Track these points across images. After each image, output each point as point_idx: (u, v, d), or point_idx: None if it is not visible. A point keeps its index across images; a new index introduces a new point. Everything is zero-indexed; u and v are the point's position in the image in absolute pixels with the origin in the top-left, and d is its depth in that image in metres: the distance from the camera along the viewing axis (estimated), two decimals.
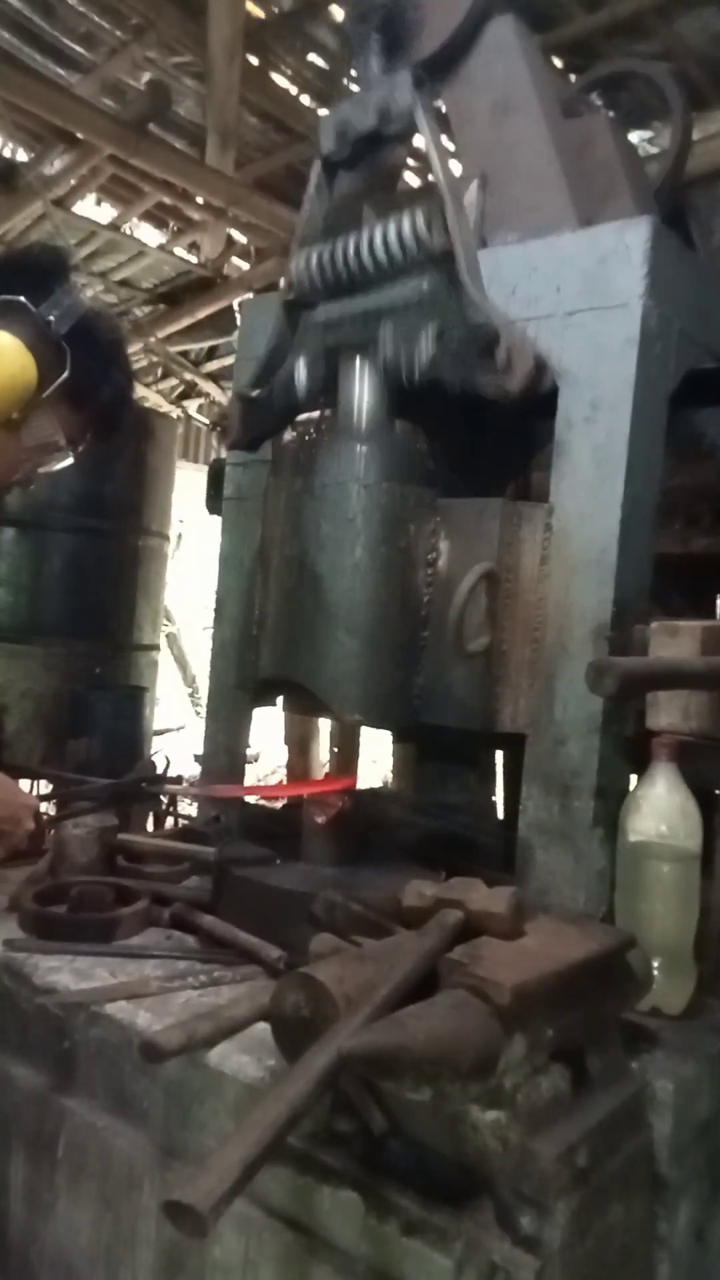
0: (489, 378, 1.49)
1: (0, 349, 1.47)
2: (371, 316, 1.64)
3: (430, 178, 1.59)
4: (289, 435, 1.88)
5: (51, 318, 1.52)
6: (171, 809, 2.39)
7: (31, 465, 1.65)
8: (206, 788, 2.09)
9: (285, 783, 5.30)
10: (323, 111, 5.21)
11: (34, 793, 2.33)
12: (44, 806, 2.16)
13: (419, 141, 1.67)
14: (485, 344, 1.48)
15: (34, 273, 1.57)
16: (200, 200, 5.71)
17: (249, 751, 2.10)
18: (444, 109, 1.82)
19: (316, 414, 1.86)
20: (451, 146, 1.78)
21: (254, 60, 4.85)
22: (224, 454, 2.15)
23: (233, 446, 1.94)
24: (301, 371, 1.75)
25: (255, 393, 1.79)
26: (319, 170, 1.76)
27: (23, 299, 1.51)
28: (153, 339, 7.27)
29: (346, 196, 1.77)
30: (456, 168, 1.69)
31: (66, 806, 2.20)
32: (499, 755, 2.16)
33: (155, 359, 7.73)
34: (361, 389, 1.67)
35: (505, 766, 2.11)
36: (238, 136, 5.10)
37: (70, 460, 1.65)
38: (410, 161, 4.41)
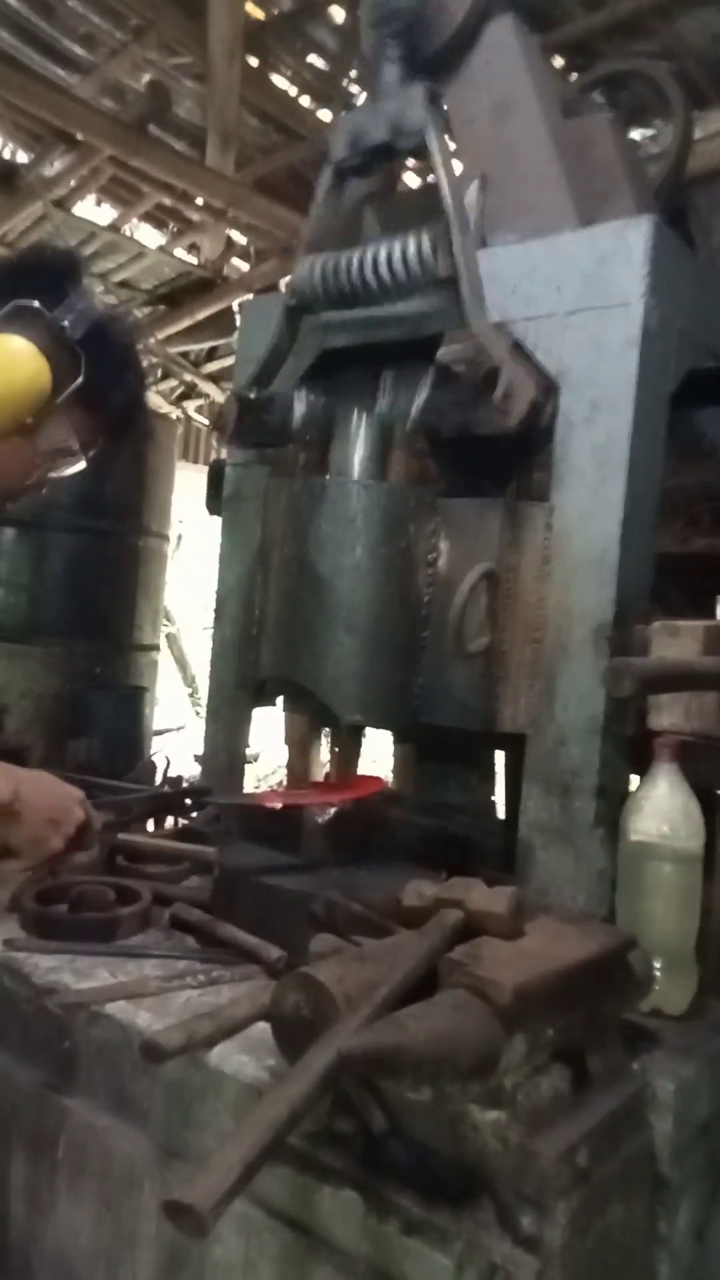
0: (486, 414, 1.49)
1: (15, 354, 1.46)
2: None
3: (430, 178, 1.59)
4: None
5: (66, 322, 1.50)
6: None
7: (44, 471, 1.64)
8: (252, 796, 2.05)
9: (286, 785, 5.29)
10: (323, 112, 5.22)
11: None
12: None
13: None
14: (484, 380, 1.47)
15: (47, 276, 1.55)
16: (200, 201, 5.72)
17: (249, 751, 2.09)
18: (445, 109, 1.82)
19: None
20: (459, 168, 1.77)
21: (254, 61, 4.85)
22: (224, 454, 2.14)
23: (228, 443, 1.93)
24: (300, 406, 1.76)
25: (253, 394, 1.79)
26: (329, 176, 1.75)
27: (36, 304, 1.49)
28: (153, 340, 7.27)
29: (354, 200, 1.76)
30: (457, 168, 1.69)
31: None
32: (499, 755, 2.16)
33: (155, 360, 7.74)
34: (358, 442, 1.67)
35: (506, 766, 2.11)
36: (238, 137, 5.11)
37: (83, 465, 1.65)
38: (409, 161, 4.41)
